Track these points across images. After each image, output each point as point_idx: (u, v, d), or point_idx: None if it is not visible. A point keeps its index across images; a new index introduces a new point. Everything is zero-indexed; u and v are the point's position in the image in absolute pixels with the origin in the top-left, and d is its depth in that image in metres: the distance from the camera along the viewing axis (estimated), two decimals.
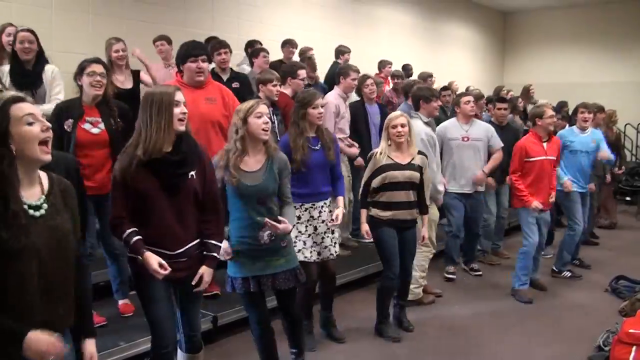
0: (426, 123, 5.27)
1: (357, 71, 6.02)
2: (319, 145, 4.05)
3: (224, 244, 3.22)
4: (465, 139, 5.90)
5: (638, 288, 5.69)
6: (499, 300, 5.63)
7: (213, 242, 2.99)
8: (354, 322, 4.95)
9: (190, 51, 4.07)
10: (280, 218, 3.26)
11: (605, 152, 6.38)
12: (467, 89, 9.53)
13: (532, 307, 5.46)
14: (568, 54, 14.10)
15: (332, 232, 4.16)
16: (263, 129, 3.26)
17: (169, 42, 6.12)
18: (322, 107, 4.05)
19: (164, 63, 6.06)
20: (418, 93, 5.41)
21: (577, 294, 5.90)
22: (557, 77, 13.73)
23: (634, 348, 3.67)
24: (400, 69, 9.20)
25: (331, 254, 4.17)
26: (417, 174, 4.42)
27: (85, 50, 5.25)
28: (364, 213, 4.48)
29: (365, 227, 4.44)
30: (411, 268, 4.75)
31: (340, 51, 8.02)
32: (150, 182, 2.79)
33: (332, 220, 3.98)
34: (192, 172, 2.88)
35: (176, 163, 2.82)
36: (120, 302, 4.34)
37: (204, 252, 2.98)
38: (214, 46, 5.51)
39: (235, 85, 5.32)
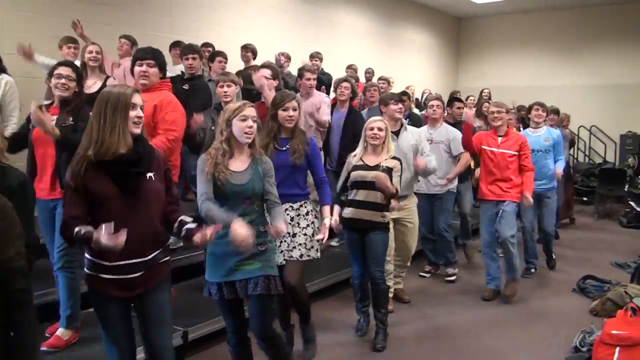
0: None
1: (313, 71, 6.00)
2: (287, 147, 3.93)
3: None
4: (430, 141, 5.91)
5: (607, 287, 5.72)
6: (469, 305, 5.57)
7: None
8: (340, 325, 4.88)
9: (137, 54, 4.08)
10: (274, 225, 3.14)
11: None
12: (423, 93, 9.60)
13: (503, 310, 5.43)
14: (520, 59, 14.34)
15: (294, 236, 3.96)
16: (246, 133, 3.18)
17: (133, 44, 5.96)
18: (294, 110, 3.91)
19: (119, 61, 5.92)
20: (380, 98, 5.55)
21: (546, 295, 5.91)
22: (509, 81, 13.93)
23: (617, 349, 3.65)
24: (363, 72, 9.24)
25: (284, 260, 3.92)
26: (384, 175, 4.35)
27: (40, 53, 5.00)
28: (336, 209, 4.40)
29: (336, 221, 4.31)
30: (378, 274, 4.53)
31: (311, 56, 7.95)
32: (104, 183, 2.60)
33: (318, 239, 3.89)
34: (150, 174, 2.72)
35: (131, 162, 2.64)
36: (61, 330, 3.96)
37: (187, 227, 2.76)
38: (183, 50, 5.41)
39: (185, 86, 5.16)
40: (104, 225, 2.40)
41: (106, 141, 2.57)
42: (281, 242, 3.89)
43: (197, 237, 2.70)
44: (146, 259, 2.73)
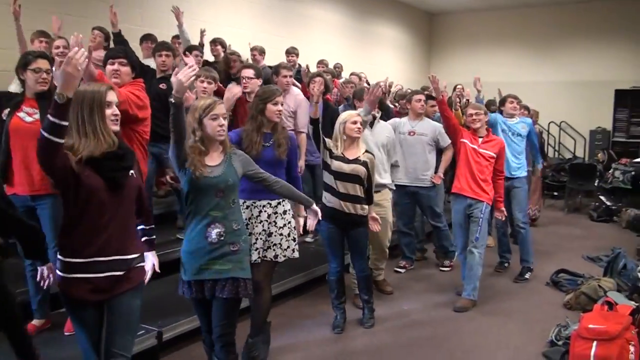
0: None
1: (289, 69, 5.92)
2: (271, 142, 3.92)
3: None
4: (412, 134, 6.04)
5: (580, 281, 5.77)
6: (445, 300, 5.55)
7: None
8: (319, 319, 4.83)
9: (109, 53, 4.02)
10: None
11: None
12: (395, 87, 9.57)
13: (479, 305, 5.40)
14: (491, 55, 14.43)
15: (269, 235, 3.91)
16: (218, 131, 3.13)
17: (107, 38, 5.83)
18: (281, 104, 3.92)
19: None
20: (355, 92, 5.61)
21: (520, 289, 5.95)
22: (480, 77, 13.96)
23: (594, 343, 3.67)
24: (333, 68, 9.16)
25: (259, 258, 3.88)
26: (363, 169, 4.43)
27: (7, 45, 4.85)
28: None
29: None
30: (364, 265, 4.72)
31: (287, 51, 7.88)
32: (93, 177, 2.57)
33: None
34: (132, 171, 2.74)
35: (120, 156, 2.64)
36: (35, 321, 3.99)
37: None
38: (155, 47, 5.29)
39: (162, 86, 5.03)
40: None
41: (90, 143, 2.53)
42: (256, 239, 3.85)
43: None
44: (128, 257, 2.70)
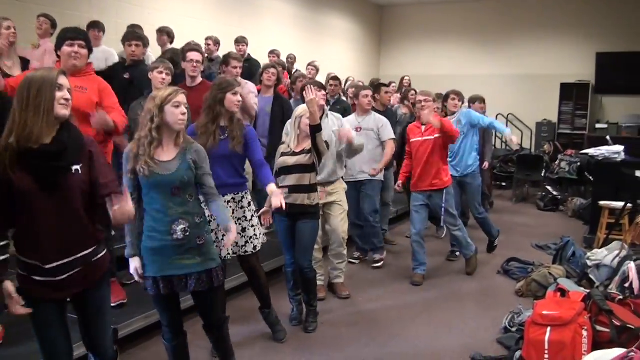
0: None
1: (239, 59, 5.81)
2: (225, 135, 3.86)
3: (135, 263, 3.13)
4: (358, 129, 5.98)
5: (530, 269, 5.91)
6: (399, 290, 5.63)
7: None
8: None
9: (67, 34, 3.81)
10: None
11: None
12: (347, 80, 9.61)
13: (432, 294, 5.51)
14: (440, 48, 14.59)
15: (243, 230, 3.96)
16: (180, 120, 3.04)
17: (54, 25, 5.65)
18: (241, 95, 3.88)
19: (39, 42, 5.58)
20: (302, 87, 5.42)
21: (472, 278, 6.04)
22: (429, 70, 14.20)
23: (548, 329, 3.74)
24: (286, 59, 9.14)
25: (230, 255, 3.97)
26: (308, 156, 4.35)
27: None
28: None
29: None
30: (305, 263, 4.52)
31: (236, 40, 7.75)
32: (25, 177, 2.40)
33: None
34: (77, 167, 2.51)
35: (53, 155, 2.43)
36: None
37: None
38: (127, 36, 5.13)
39: (125, 75, 4.90)
40: None
41: (29, 125, 2.37)
42: (223, 236, 3.81)
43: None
44: (79, 256, 2.58)
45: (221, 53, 7.09)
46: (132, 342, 4.16)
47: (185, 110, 3.06)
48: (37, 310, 2.53)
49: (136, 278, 3.15)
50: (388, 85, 7.09)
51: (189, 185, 3.10)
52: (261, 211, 4.16)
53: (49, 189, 2.43)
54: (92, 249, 2.63)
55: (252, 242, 4.01)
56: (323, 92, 5.13)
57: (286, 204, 4.14)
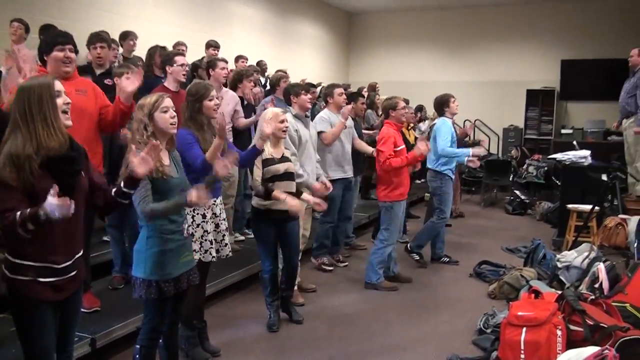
0: (295, 116, 5.25)
1: (225, 61, 5.82)
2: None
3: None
4: (344, 127, 6.03)
5: (502, 271, 6.00)
6: (373, 294, 5.66)
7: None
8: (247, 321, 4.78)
9: (57, 39, 3.72)
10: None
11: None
12: (319, 85, 9.63)
13: (407, 298, 5.56)
14: (408, 55, 14.76)
15: (223, 237, 4.00)
16: (171, 124, 3.11)
17: (27, 30, 5.57)
18: (217, 99, 3.88)
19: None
20: (288, 88, 5.52)
21: (445, 281, 6.11)
22: (397, 76, 14.34)
23: (524, 329, 3.81)
24: (255, 65, 9.12)
25: (230, 252, 4.05)
26: (292, 164, 4.54)
27: None
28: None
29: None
30: (297, 261, 4.79)
31: (208, 44, 7.73)
32: (46, 182, 2.40)
33: None
34: (82, 170, 2.64)
35: (74, 159, 2.54)
36: None
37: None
38: (91, 39, 5.05)
39: (107, 82, 4.84)
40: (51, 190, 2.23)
41: (41, 138, 2.41)
42: (224, 236, 3.94)
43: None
44: (79, 255, 2.66)
45: (189, 59, 7.08)
46: (110, 352, 4.09)
47: (174, 113, 3.12)
48: (37, 313, 2.53)
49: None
50: (364, 96, 7.13)
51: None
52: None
53: (67, 192, 2.44)
54: (81, 253, 2.70)
55: (229, 246, 4.06)
56: (310, 96, 5.36)
57: (277, 210, 4.32)
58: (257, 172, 4.34)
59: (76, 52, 3.79)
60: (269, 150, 4.38)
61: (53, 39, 3.73)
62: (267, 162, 4.37)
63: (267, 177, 4.36)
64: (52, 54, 3.67)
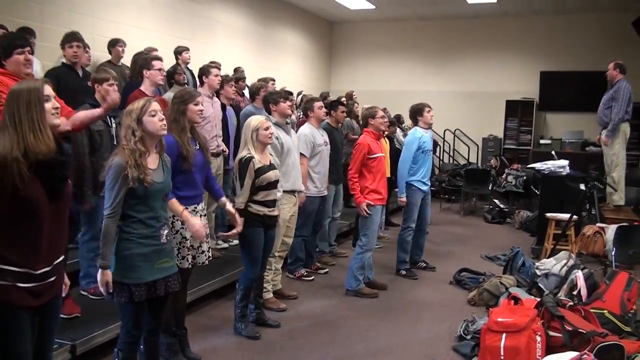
0: (275, 124, 5.24)
1: (218, 68, 5.87)
2: (198, 145, 3.90)
3: (108, 276, 3.05)
4: (325, 144, 6.09)
5: (482, 279, 6.05)
6: (353, 301, 5.67)
7: None
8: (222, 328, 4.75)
9: (16, 42, 3.63)
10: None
11: None
12: (299, 94, 9.66)
13: (388, 305, 5.58)
14: (389, 64, 14.81)
15: (207, 237, 3.96)
16: (160, 126, 3.12)
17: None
18: (202, 104, 3.90)
19: None
20: (267, 97, 5.52)
21: (425, 289, 6.15)
22: (378, 85, 14.41)
23: (503, 335, 3.85)
24: (233, 71, 9.13)
25: (207, 259, 4.00)
26: (278, 172, 4.59)
27: None
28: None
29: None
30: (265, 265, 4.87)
31: (178, 51, 7.68)
32: (33, 185, 2.41)
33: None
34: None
35: (62, 163, 2.53)
36: None
37: None
38: (66, 38, 5.05)
39: (90, 83, 4.83)
40: None
41: (30, 140, 2.38)
42: (201, 242, 3.88)
43: None
44: (59, 261, 2.63)
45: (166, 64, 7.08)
46: (90, 359, 4.03)
47: (162, 117, 3.14)
48: (14, 318, 2.47)
49: (102, 290, 3.07)
50: (344, 105, 7.14)
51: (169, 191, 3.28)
52: (233, 232, 4.27)
53: (54, 196, 2.49)
54: (64, 255, 2.68)
55: (209, 251, 4.04)
56: (289, 103, 5.42)
57: (270, 216, 4.41)
58: (248, 182, 4.33)
59: (32, 52, 3.71)
60: (257, 159, 4.37)
61: (11, 42, 3.64)
62: (259, 171, 4.36)
63: (263, 185, 4.38)
64: (12, 57, 3.57)
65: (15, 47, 3.58)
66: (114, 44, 6.99)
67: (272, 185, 4.46)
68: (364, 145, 5.58)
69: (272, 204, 4.50)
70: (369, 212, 5.55)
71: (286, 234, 5.37)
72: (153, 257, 3.11)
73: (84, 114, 3.82)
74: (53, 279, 2.58)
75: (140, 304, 3.15)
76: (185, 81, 6.41)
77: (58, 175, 2.50)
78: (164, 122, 3.14)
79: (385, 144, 7.04)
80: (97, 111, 3.88)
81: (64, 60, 5.46)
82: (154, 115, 3.09)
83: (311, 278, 6.29)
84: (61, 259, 2.65)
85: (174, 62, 7.74)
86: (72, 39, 5.10)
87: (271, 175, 4.42)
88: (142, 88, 5.03)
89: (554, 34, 12.98)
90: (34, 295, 2.50)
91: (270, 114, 5.35)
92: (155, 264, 3.12)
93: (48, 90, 2.51)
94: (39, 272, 2.50)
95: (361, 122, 6.61)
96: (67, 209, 2.62)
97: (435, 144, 10.65)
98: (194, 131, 3.88)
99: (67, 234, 2.71)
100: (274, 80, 7.92)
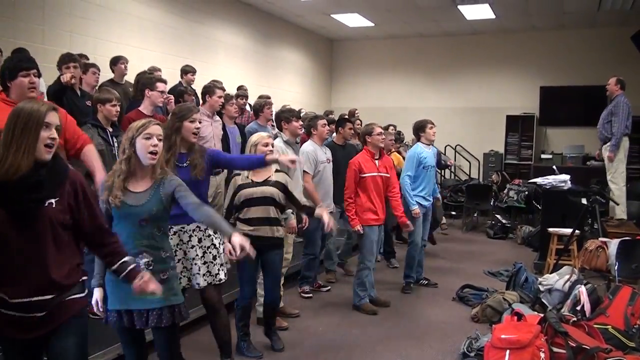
0: (286, 142, 5.32)
1: (223, 89, 5.88)
2: (187, 163, 3.78)
3: (97, 294, 3.03)
4: (328, 161, 6.06)
5: (485, 295, 6.01)
6: (356, 319, 5.63)
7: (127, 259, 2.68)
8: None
9: (21, 64, 3.53)
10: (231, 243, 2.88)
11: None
12: (299, 112, 9.67)
13: (390, 323, 5.54)
14: (389, 81, 14.88)
15: (214, 258, 3.87)
16: (150, 152, 2.97)
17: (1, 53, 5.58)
18: (199, 122, 3.84)
19: None
20: (279, 115, 5.56)
21: (427, 306, 6.11)
22: (379, 102, 14.47)
23: (507, 352, 3.81)
24: (236, 89, 9.18)
25: (199, 283, 3.84)
26: (275, 190, 4.36)
27: None
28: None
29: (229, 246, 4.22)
30: (278, 294, 4.70)
31: (184, 70, 7.73)
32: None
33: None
34: (52, 200, 2.39)
35: (28, 187, 2.33)
36: None
37: (131, 268, 2.64)
38: (63, 59, 5.08)
39: (89, 103, 4.87)
40: None
41: (9, 161, 2.29)
42: (192, 265, 3.79)
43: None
44: (50, 297, 2.42)
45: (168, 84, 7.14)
46: None
47: (157, 142, 2.98)
48: (3, 350, 2.41)
49: (95, 309, 3.04)
50: (352, 122, 7.11)
51: (158, 219, 3.02)
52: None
53: (21, 222, 2.33)
54: (65, 290, 2.49)
55: (223, 270, 3.90)
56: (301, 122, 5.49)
57: (252, 236, 3.98)
58: (228, 196, 4.33)
59: (39, 75, 3.63)
60: (247, 174, 4.33)
61: (17, 64, 3.53)
62: (240, 187, 4.31)
63: (239, 202, 4.29)
64: (16, 80, 3.47)
65: (21, 69, 3.47)
66: (116, 62, 7.01)
67: (256, 202, 4.29)
68: (355, 164, 5.62)
69: (256, 222, 4.31)
70: (361, 232, 5.60)
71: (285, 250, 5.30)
72: (125, 285, 2.75)
73: (91, 163, 3.79)
74: (42, 314, 2.40)
75: (125, 332, 3.09)
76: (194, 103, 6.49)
77: (27, 199, 2.34)
78: (157, 148, 2.98)
79: (394, 159, 7.00)
80: (97, 177, 3.75)
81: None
82: (147, 139, 2.96)
83: (309, 295, 6.25)
84: (57, 294, 2.44)
85: (175, 81, 7.80)
86: (68, 59, 5.15)
87: (255, 191, 4.29)
88: (140, 108, 5.05)
89: (553, 49, 13.04)
90: (17, 327, 2.39)
91: (281, 131, 5.39)
92: (132, 293, 2.73)
93: (51, 117, 2.39)
94: (14, 301, 2.36)
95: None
96: (51, 237, 2.40)
97: (445, 164, 10.67)
98: (191, 148, 3.82)
99: (71, 265, 2.50)
100: (269, 97, 7.98)
